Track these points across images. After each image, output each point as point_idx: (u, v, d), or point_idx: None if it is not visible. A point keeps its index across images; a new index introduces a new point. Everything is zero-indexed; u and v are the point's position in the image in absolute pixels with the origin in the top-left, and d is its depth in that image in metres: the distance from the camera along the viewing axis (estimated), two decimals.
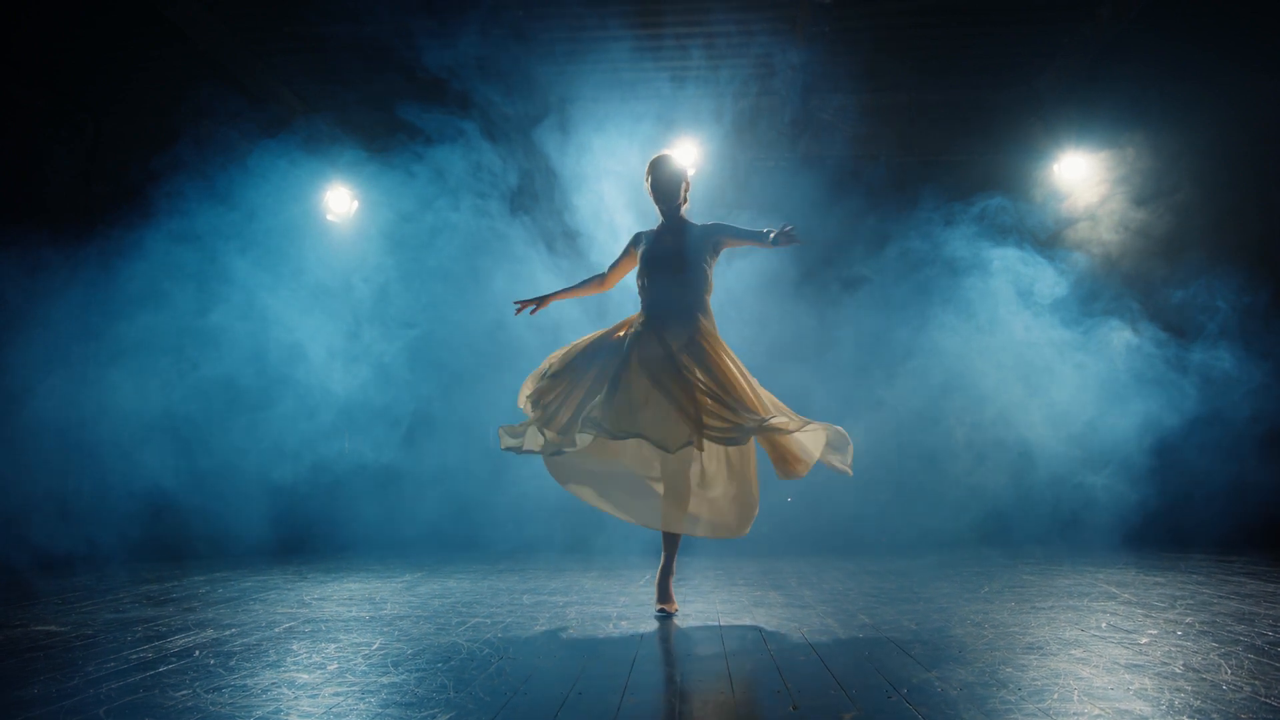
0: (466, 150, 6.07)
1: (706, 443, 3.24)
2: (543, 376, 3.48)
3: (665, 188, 3.56)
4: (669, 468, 3.36)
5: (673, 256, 3.49)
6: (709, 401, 3.19)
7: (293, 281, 6.36)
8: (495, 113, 6.07)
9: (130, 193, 6.09)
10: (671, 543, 3.43)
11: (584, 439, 3.28)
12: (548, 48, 6.12)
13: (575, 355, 3.49)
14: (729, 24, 5.86)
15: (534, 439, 3.44)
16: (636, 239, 3.65)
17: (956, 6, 5.85)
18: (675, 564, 3.44)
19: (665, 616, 3.29)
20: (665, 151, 3.68)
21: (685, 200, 3.65)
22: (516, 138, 6.24)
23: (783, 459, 3.37)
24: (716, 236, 3.54)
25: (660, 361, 3.28)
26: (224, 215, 6.05)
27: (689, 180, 3.67)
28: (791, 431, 3.18)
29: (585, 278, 3.83)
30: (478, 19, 5.59)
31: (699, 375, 3.26)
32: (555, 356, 3.53)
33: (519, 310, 3.71)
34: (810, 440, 3.34)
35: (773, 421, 3.13)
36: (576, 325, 6.30)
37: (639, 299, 3.57)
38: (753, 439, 3.30)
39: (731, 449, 3.37)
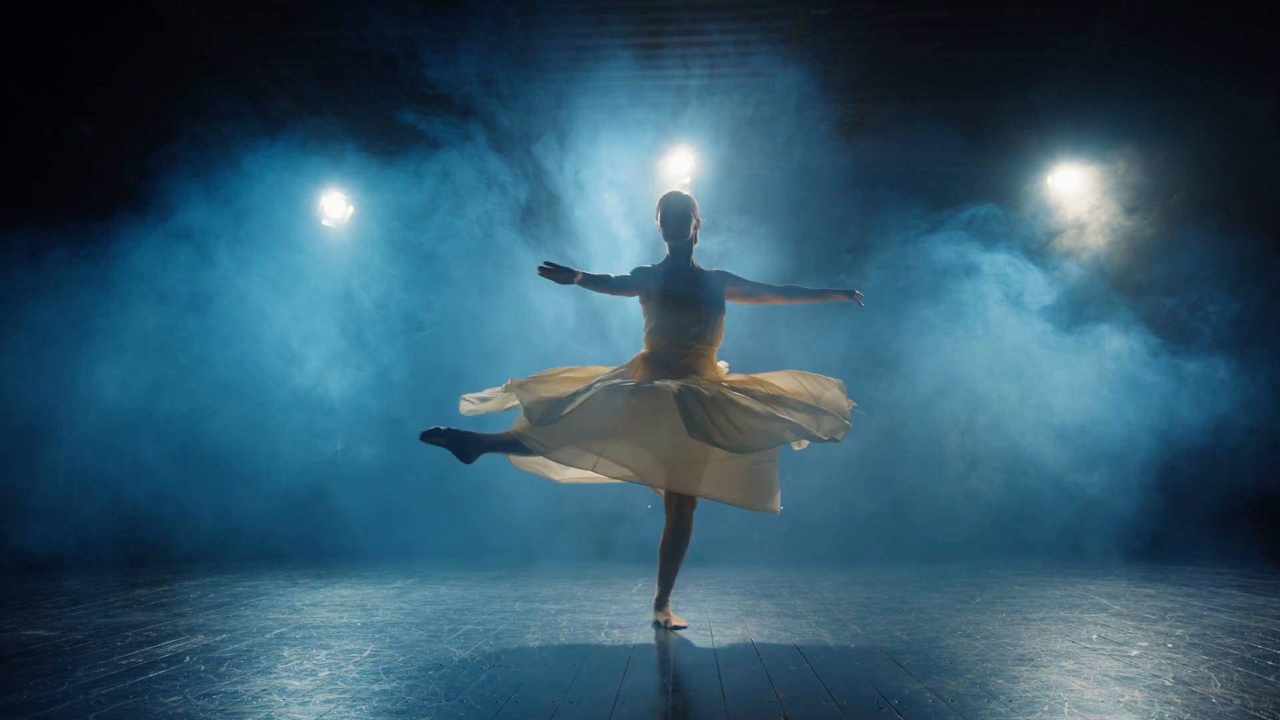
0: (466, 158, 6.08)
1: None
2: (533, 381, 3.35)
3: (675, 221, 3.43)
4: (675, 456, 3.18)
5: (690, 306, 3.34)
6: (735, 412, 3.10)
7: (290, 284, 6.36)
8: (496, 123, 6.09)
9: (128, 195, 6.10)
10: (668, 565, 3.31)
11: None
12: (549, 57, 6.15)
13: (576, 376, 3.37)
14: (728, 36, 5.90)
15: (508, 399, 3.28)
16: (644, 275, 3.39)
17: (952, 19, 5.90)
18: (670, 592, 3.35)
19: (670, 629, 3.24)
20: (678, 188, 3.57)
21: (695, 238, 3.50)
22: (516, 147, 6.26)
23: None
24: (728, 286, 3.46)
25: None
26: (222, 218, 6.05)
27: (699, 215, 3.51)
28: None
29: (614, 276, 3.42)
30: (479, 31, 5.61)
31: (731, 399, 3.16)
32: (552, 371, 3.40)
33: (542, 271, 3.22)
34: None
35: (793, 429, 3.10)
36: (581, 334, 6.32)
37: (645, 341, 3.40)
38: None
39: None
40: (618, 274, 3.41)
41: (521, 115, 6.21)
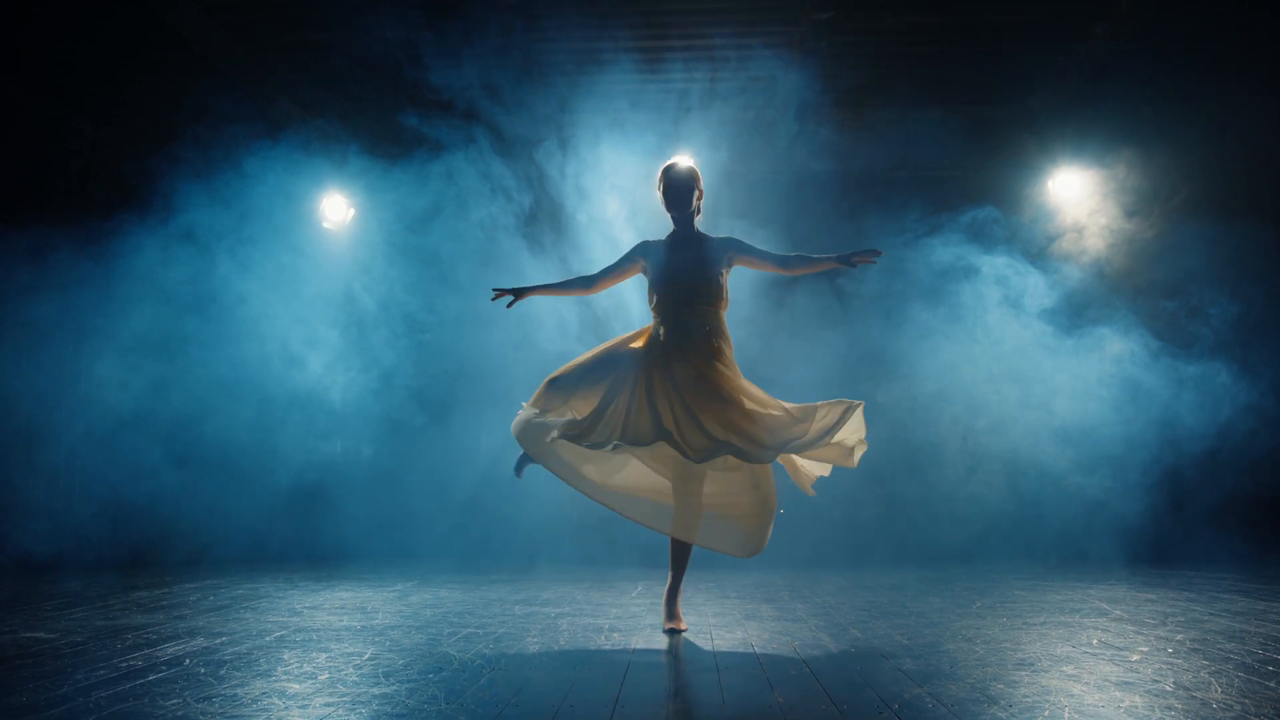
0: (469, 162, 6.08)
1: (725, 460, 3.16)
2: (551, 382, 3.35)
3: (677, 193, 3.44)
4: (681, 475, 3.24)
5: (691, 271, 3.34)
6: (737, 419, 3.12)
7: (291, 285, 6.36)
8: (498, 127, 6.09)
9: (129, 195, 6.10)
10: (679, 558, 3.34)
11: (600, 444, 3.18)
12: (551, 62, 6.15)
13: (586, 364, 3.37)
14: (730, 42, 5.90)
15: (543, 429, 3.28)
16: (642, 250, 3.47)
17: (953, 24, 5.91)
18: (683, 582, 3.36)
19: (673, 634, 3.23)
20: (679, 158, 3.55)
21: (699, 209, 3.50)
22: (519, 152, 6.26)
23: (798, 472, 3.35)
24: (731, 251, 3.42)
25: (683, 382, 3.19)
26: (223, 219, 6.05)
27: (702, 186, 3.52)
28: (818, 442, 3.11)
29: (570, 277, 3.63)
30: (482, 36, 5.61)
31: (725, 397, 3.18)
32: (564, 368, 3.41)
33: (495, 298, 3.47)
34: (830, 452, 3.24)
35: (801, 440, 3.09)
36: (585, 339, 6.31)
37: (653, 315, 3.42)
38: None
39: (755, 466, 3.24)
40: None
41: (524, 120, 6.21)
